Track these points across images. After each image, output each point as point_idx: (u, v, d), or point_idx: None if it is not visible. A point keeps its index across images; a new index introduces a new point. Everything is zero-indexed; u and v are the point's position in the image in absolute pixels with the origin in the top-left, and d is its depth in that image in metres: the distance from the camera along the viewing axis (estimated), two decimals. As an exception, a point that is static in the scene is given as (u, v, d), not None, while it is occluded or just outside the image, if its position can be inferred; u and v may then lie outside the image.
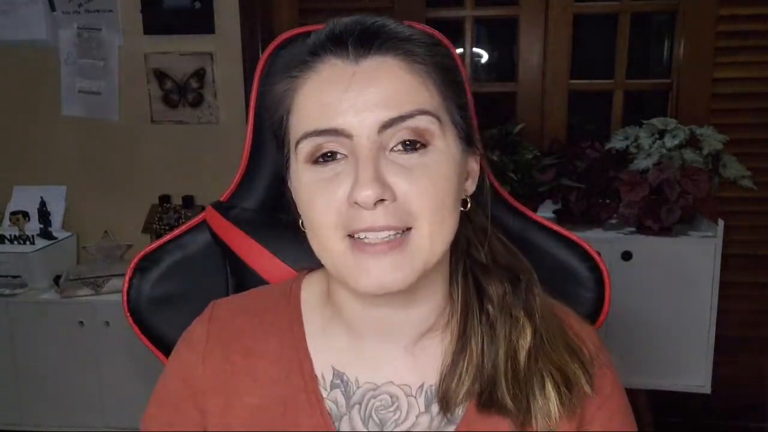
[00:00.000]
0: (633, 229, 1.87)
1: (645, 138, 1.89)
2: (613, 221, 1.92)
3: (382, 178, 0.56)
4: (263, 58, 0.84)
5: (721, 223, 1.80)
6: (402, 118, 0.56)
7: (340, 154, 0.58)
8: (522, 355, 0.63)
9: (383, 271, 0.57)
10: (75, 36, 2.16)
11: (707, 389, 1.86)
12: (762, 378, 2.20)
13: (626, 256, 1.81)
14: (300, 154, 0.59)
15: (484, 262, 0.67)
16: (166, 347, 0.82)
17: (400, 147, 0.57)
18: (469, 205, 0.65)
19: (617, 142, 1.94)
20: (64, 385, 2.05)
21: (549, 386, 0.62)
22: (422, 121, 0.57)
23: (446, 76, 0.61)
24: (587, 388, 0.64)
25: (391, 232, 0.57)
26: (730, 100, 2.09)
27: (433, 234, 0.58)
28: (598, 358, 0.68)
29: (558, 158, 1.94)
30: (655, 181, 1.79)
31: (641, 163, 1.85)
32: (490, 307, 0.65)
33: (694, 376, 1.85)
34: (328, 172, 0.58)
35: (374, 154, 0.56)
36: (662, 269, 1.81)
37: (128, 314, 0.85)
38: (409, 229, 0.57)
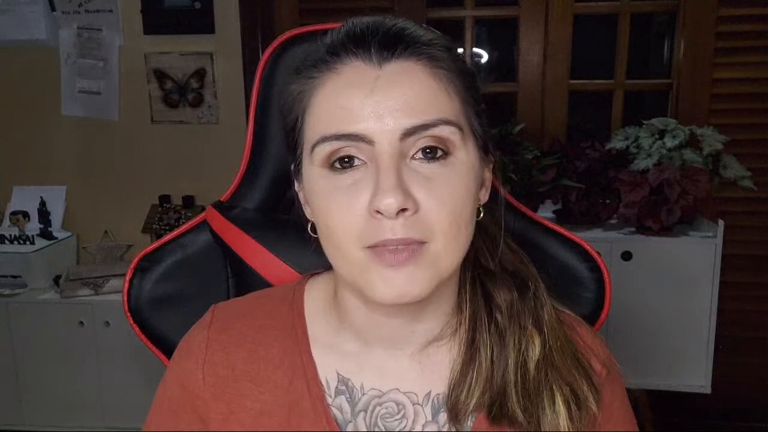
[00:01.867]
0: (633, 229, 1.87)
1: (645, 138, 1.89)
2: (613, 221, 1.92)
3: (405, 187, 0.54)
4: (264, 58, 0.84)
5: (721, 223, 1.80)
6: (425, 127, 0.55)
7: (359, 159, 0.56)
8: (531, 366, 0.62)
9: (401, 282, 0.55)
10: (75, 36, 2.16)
11: (707, 389, 1.86)
12: (762, 378, 2.20)
13: (626, 256, 1.81)
14: (316, 158, 0.57)
15: (492, 269, 0.66)
16: (166, 347, 0.82)
17: (421, 155, 0.55)
18: (482, 215, 0.63)
19: (617, 142, 1.94)
20: (64, 385, 2.05)
21: (559, 401, 0.61)
22: (444, 131, 0.55)
23: (467, 81, 0.59)
24: (594, 408, 0.63)
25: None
26: (730, 100, 2.09)
27: (449, 247, 0.56)
28: (609, 373, 0.67)
29: (558, 158, 1.93)
30: (655, 181, 1.79)
31: (641, 163, 1.85)
32: (498, 316, 0.64)
33: (694, 376, 1.85)
34: (346, 180, 0.56)
35: (395, 162, 0.54)
36: (662, 269, 1.81)
37: (128, 314, 0.85)
38: (426, 242, 0.56)
